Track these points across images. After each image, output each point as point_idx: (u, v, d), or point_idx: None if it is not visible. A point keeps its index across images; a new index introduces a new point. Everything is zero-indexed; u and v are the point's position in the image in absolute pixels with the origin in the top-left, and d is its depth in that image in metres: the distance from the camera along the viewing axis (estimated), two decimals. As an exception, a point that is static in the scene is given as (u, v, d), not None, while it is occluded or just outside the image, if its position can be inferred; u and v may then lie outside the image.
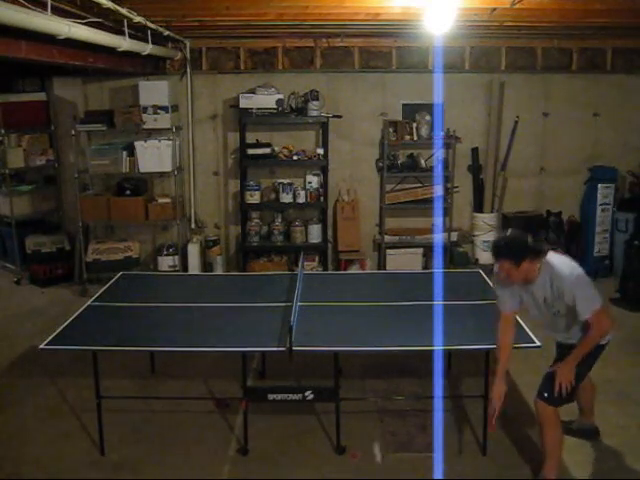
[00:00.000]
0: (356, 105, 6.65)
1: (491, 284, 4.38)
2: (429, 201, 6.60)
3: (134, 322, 3.95)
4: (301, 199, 6.44)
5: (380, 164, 6.69)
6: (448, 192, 6.62)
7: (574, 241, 6.78)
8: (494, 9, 4.27)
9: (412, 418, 3.95)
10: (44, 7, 3.18)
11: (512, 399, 4.17)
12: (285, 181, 6.49)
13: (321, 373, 3.89)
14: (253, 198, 6.44)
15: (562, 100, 6.71)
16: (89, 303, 4.16)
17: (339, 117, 6.48)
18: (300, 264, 4.97)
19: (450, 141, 6.49)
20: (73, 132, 6.25)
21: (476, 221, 6.82)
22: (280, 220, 6.62)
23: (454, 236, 6.75)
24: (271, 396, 3.59)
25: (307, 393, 3.56)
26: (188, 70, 6.52)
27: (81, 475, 3.46)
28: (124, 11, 3.91)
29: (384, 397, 4.22)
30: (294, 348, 3.33)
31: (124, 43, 4.42)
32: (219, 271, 6.66)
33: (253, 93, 6.22)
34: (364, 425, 3.89)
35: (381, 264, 6.75)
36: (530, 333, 3.52)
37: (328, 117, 6.34)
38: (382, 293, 4.49)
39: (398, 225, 6.83)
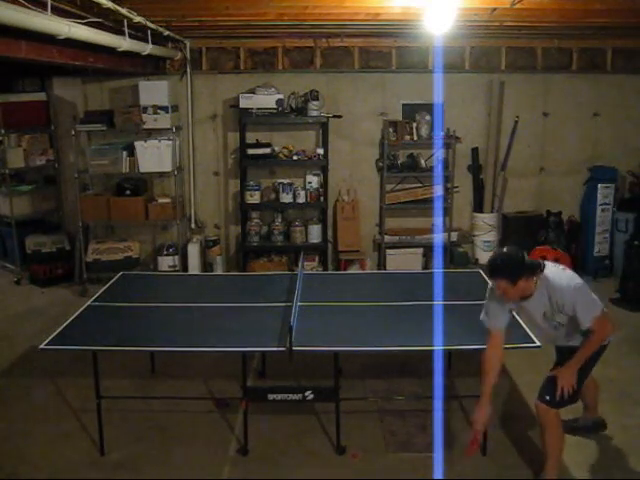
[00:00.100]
0: (356, 105, 6.65)
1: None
2: (429, 201, 6.60)
3: (134, 322, 3.95)
4: (301, 199, 6.44)
5: (380, 164, 6.69)
6: (448, 192, 6.62)
7: (574, 241, 6.78)
8: (494, 9, 4.27)
9: (412, 418, 3.95)
10: (44, 7, 3.18)
11: (512, 399, 4.19)
12: (285, 181, 6.50)
13: (321, 373, 3.89)
14: (253, 198, 6.44)
15: (562, 100, 6.72)
16: (89, 303, 4.16)
17: (339, 117, 6.48)
18: (300, 264, 4.97)
19: (450, 141, 6.49)
20: (73, 132, 6.25)
21: (476, 221, 6.82)
22: (280, 220, 6.63)
23: (454, 236, 6.74)
24: (271, 396, 3.59)
25: (307, 393, 3.56)
26: (188, 70, 6.52)
27: (81, 475, 3.46)
28: (124, 11, 3.91)
29: (384, 397, 4.22)
30: (294, 348, 3.33)
31: (124, 43, 4.42)
32: (219, 271, 6.66)
33: (253, 93, 6.22)
34: (364, 425, 3.89)
35: (381, 264, 6.75)
36: (530, 333, 3.52)
37: (328, 117, 6.34)
38: (382, 293, 4.49)
39: (398, 225, 6.83)
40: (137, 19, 4.21)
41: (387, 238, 6.68)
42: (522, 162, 6.84)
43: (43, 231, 6.84)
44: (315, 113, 6.27)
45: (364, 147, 6.74)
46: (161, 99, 6.23)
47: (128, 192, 6.44)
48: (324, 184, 6.46)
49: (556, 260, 6.35)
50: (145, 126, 6.28)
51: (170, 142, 6.32)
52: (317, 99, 6.25)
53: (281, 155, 6.46)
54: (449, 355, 4.45)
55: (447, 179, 6.59)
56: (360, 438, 3.74)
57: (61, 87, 6.72)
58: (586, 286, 3.08)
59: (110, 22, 4.25)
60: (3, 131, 6.44)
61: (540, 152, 6.86)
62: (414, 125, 6.48)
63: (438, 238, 6.62)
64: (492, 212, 6.82)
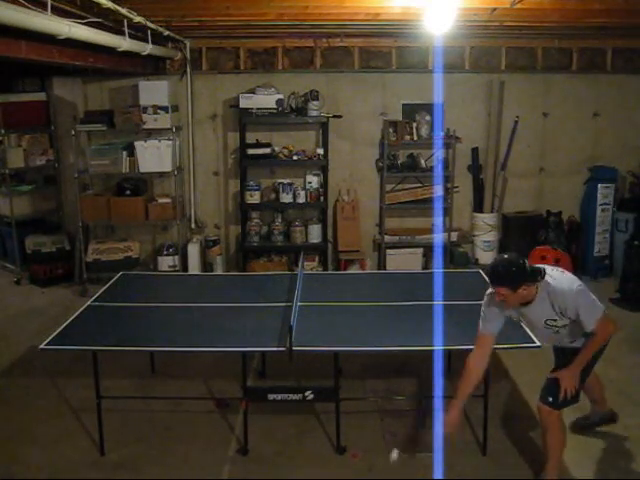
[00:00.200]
0: (356, 105, 6.65)
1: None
2: (429, 201, 6.60)
3: (134, 322, 3.95)
4: (301, 199, 6.44)
5: (380, 164, 6.69)
6: (448, 192, 6.61)
7: (574, 241, 6.78)
8: (494, 9, 4.27)
9: (412, 418, 3.95)
10: (44, 7, 3.18)
11: (512, 399, 4.19)
12: (285, 181, 6.50)
13: (321, 373, 3.89)
14: (253, 198, 6.44)
15: (562, 100, 6.72)
16: (89, 303, 4.16)
17: (339, 117, 6.48)
18: (300, 264, 4.97)
19: (450, 141, 6.49)
20: (73, 132, 6.25)
21: (476, 221, 6.82)
22: (280, 220, 6.63)
23: (454, 236, 6.74)
24: (271, 396, 3.59)
25: (307, 393, 3.56)
26: (188, 70, 6.52)
27: (81, 475, 3.46)
28: (124, 11, 3.91)
29: (384, 397, 4.22)
30: (294, 348, 3.33)
31: (124, 43, 4.42)
32: (219, 271, 6.66)
33: (253, 93, 6.22)
34: (364, 425, 3.89)
35: (381, 264, 6.75)
36: (530, 333, 3.51)
37: (328, 117, 6.34)
38: (382, 293, 4.48)
39: (398, 225, 6.83)
40: (137, 19, 4.21)
41: (387, 238, 6.68)
42: (522, 162, 6.84)
43: (43, 231, 6.83)
44: (315, 113, 6.27)
45: (364, 147, 6.74)
46: (161, 99, 6.23)
47: (128, 192, 6.44)
48: (324, 184, 6.46)
49: (556, 260, 6.36)
50: (145, 126, 6.28)
51: (170, 142, 6.32)
52: (317, 99, 6.25)
53: (281, 155, 6.46)
54: (449, 355, 4.45)
55: (447, 179, 6.59)
56: (360, 438, 3.74)
57: (61, 87, 6.72)
58: (586, 288, 3.07)
59: (110, 22, 4.25)
60: (3, 131, 6.44)
61: (540, 152, 6.86)
62: (414, 125, 6.48)
63: (438, 238, 6.62)
64: (492, 212, 6.82)
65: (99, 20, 3.96)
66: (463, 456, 3.57)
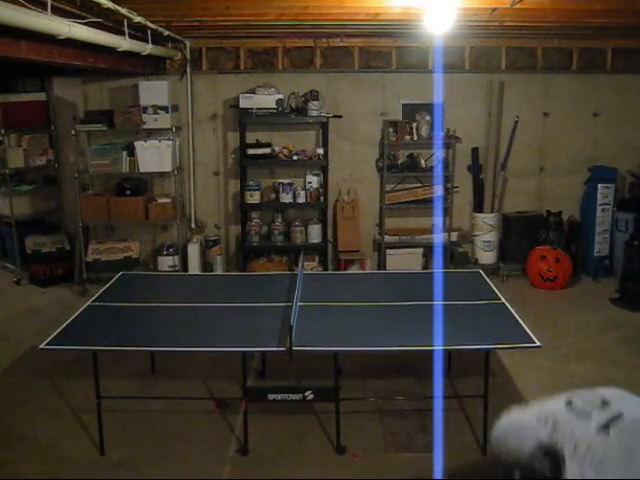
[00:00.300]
0: (356, 105, 6.65)
1: (491, 284, 4.40)
2: (429, 201, 6.61)
3: (134, 322, 3.94)
4: (301, 199, 6.44)
5: (380, 164, 6.69)
6: (448, 192, 6.61)
7: (574, 241, 6.78)
8: (494, 9, 4.27)
9: (412, 418, 3.95)
10: (44, 7, 3.18)
11: (513, 399, 4.18)
12: (285, 181, 6.50)
13: (321, 373, 3.89)
14: (253, 198, 6.44)
15: (562, 100, 6.72)
16: (89, 303, 4.15)
17: (339, 117, 6.48)
18: (300, 264, 4.97)
19: (450, 141, 6.49)
20: (73, 132, 6.25)
21: (476, 221, 6.82)
22: (280, 220, 6.63)
23: (454, 236, 6.74)
24: (271, 396, 3.59)
25: (307, 393, 3.56)
26: (188, 70, 6.52)
27: (81, 475, 3.46)
28: (124, 11, 3.91)
29: (384, 397, 4.22)
30: (294, 348, 3.33)
31: (124, 43, 4.42)
32: (219, 271, 6.66)
33: (253, 93, 6.22)
34: (364, 425, 3.89)
35: (381, 264, 6.75)
36: (530, 333, 3.52)
37: (328, 117, 6.34)
38: (382, 293, 4.48)
39: (398, 225, 6.83)
40: (137, 19, 4.21)
41: (387, 238, 6.68)
42: (522, 162, 6.84)
43: (43, 231, 6.83)
44: (315, 113, 6.27)
45: (364, 147, 6.74)
46: (161, 99, 6.24)
47: (128, 192, 6.44)
48: (324, 184, 6.46)
49: (556, 260, 6.37)
50: (145, 126, 6.29)
51: (170, 142, 6.32)
52: (317, 99, 6.25)
53: (281, 155, 6.46)
54: (449, 355, 4.45)
55: (447, 179, 6.59)
56: (360, 438, 3.75)
57: (61, 87, 6.72)
58: None
59: (110, 22, 4.25)
60: (3, 131, 6.44)
61: (540, 152, 6.87)
62: (414, 125, 6.48)
63: (438, 238, 6.62)
64: (492, 212, 6.81)
65: (99, 20, 3.96)
66: (463, 456, 3.57)
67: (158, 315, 4.06)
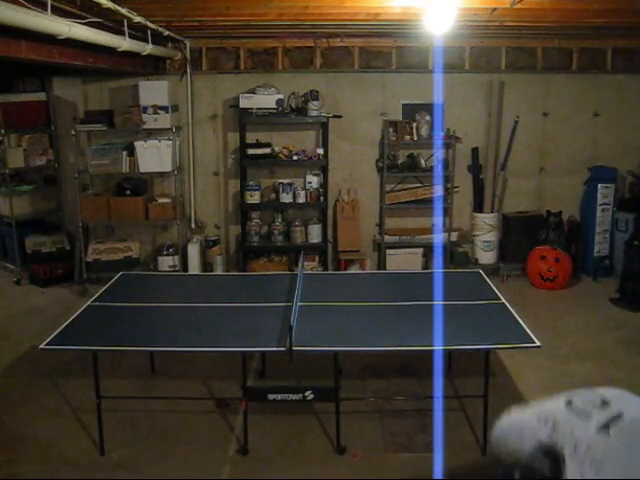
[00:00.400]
0: (356, 105, 6.65)
1: (491, 284, 4.40)
2: (429, 201, 6.61)
3: (134, 322, 3.94)
4: (301, 199, 6.44)
5: (380, 164, 6.69)
6: (448, 192, 6.61)
7: (574, 241, 6.79)
8: (494, 9, 4.27)
9: (412, 418, 3.95)
10: (44, 7, 3.18)
11: (512, 399, 4.18)
12: (285, 181, 6.49)
13: (321, 373, 3.89)
14: (253, 198, 6.44)
15: (562, 100, 6.72)
16: (89, 303, 4.15)
17: (339, 117, 6.48)
18: (300, 264, 4.97)
19: (450, 141, 6.49)
20: (73, 132, 6.25)
21: (476, 221, 6.82)
22: (280, 220, 6.63)
23: (454, 236, 6.74)
24: (271, 396, 3.59)
25: (307, 393, 3.56)
26: (188, 70, 6.52)
27: (81, 475, 3.46)
28: (124, 11, 3.91)
29: (384, 397, 4.22)
30: (294, 348, 3.33)
31: (124, 43, 4.42)
32: (219, 271, 6.66)
33: (253, 93, 6.22)
34: (364, 425, 3.89)
35: (381, 264, 6.74)
36: (530, 333, 3.52)
37: (328, 117, 6.34)
38: (382, 293, 4.49)
39: (398, 225, 6.83)
40: (137, 19, 4.21)
41: (387, 238, 6.68)
42: (522, 162, 6.84)
43: (43, 231, 6.83)
44: (315, 113, 6.27)
45: (364, 147, 6.74)
46: (161, 99, 6.24)
47: (128, 192, 6.44)
48: (324, 184, 6.46)
49: (556, 260, 6.37)
50: (145, 126, 6.29)
51: (170, 142, 6.32)
52: (317, 99, 6.25)
53: (281, 155, 6.46)
54: (449, 355, 4.45)
55: (447, 179, 6.59)
56: (360, 438, 3.75)
57: (61, 87, 6.72)
58: None
59: (110, 22, 4.25)
60: (3, 131, 6.44)
61: (540, 152, 6.87)
62: (414, 125, 6.48)
63: (438, 238, 6.62)
64: (492, 212, 6.81)
65: (99, 20, 3.96)
66: (463, 456, 3.57)
67: (158, 315, 4.06)
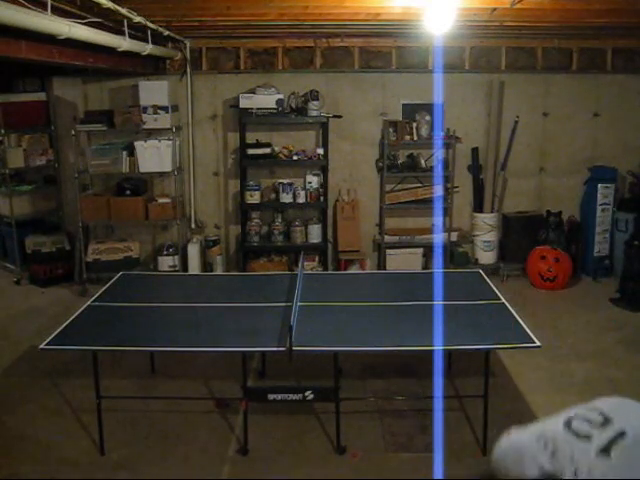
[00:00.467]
0: (356, 105, 6.65)
1: (490, 284, 4.40)
2: (429, 201, 6.60)
3: (134, 322, 3.94)
4: (301, 199, 6.43)
5: (380, 164, 6.69)
6: (448, 192, 6.61)
7: (574, 241, 6.78)
8: (494, 9, 4.27)
9: (412, 418, 3.95)
10: (44, 7, 3.18)
11: (512, 399, 4.18)
12: (285, 181, 6.49)
13: (321, 373, 3.89)
14: (253, 198, 6.44)
15: (562, 100, 6.72)
16: (89, 303, 4.15)
17: (339, 117, 6.48)
18: (300, 264, 4.96)
19: (450, 141, 6.49)
20: (73, 132, 6.25)
21: (476, 221, 6.82)
22: (280, 220, 6.63)
23: (454, 236, 6.74)
24: (271, 396, 3.59)
25: (307, 393, 3.56)
26: (188, 70, 6.52)
27: (81, 475, 3.46)
28: (124, 11, 3.91)
29: (384, 397, 4.22)
30: (294, 348, 3.33)
31: (124, 43, 4.42)
32: (219, 271, 6.66)
33: (253, 93, 6.22)
34: (364, 425, 3.89)
35: (381, 264, 6.74)
36: (530, 333, 3.52)
37: (328, 117, 6.34)
38: (382, 293, 4.49)
39: (398, 225, 6.83)
40: (137, 19, 4.21)
41: (387, 238, 6.68)
42: (522, 162, 6.84)
43: (43, 231, 6.83)
44: (315, 113, 6.27)
45: (364, 147, 6.74)
46: (161, 99, 6.24)
47: (128, 192, 6.44)
48: (324, 184, 6.46)
49: (556, 260, 6.37)
50: (145, 126, 6.29)
51: (170, 142, 6.32)
52: (317, 99, 6.25)
53: (281, 155, 6.46)
54: (449, 355, 4.45)
55: (447, 179, 6.59)
56: (360, 438, 3.74)
57: (61, 87, 6.72)
58: None
59: (110, 22, 4.25)
60: (3, 131, 6.44)
61: (540, 152, 6.87)
62: (414, 125, 6.48)
63: (438, 238, 6.62)
64: (492, 212, 6.81)
65: (99, 20, 3.96)
66: (463, 456, 3.57)
67: (158, 315, 4.06)
